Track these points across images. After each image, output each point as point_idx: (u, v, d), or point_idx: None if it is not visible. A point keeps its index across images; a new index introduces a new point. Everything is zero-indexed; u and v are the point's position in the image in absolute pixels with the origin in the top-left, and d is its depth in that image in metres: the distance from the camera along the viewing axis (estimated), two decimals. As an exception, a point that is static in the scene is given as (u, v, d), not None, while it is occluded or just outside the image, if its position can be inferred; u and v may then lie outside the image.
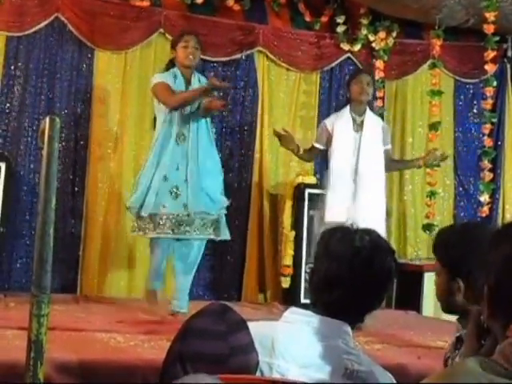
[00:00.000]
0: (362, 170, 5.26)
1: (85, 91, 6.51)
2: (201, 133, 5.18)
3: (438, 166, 6.54)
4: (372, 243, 2.05)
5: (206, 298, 6.62)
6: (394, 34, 7.26)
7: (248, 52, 6.41)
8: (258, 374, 1.87)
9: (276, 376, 1.91)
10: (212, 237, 5.23)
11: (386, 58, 7.22)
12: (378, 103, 7.23)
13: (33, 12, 6.28)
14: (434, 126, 7.06)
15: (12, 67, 6.30)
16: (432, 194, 7.02)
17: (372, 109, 5.73)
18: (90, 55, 6.52)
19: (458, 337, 2.20)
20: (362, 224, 5.09)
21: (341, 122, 5.40)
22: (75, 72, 6.49)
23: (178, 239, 5.18)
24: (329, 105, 7.25)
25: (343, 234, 2.07)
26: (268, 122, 6.97)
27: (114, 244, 6.36)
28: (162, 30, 6.64)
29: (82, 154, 6.46)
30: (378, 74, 7.21)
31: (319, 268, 2.06)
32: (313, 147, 5.56)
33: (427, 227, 7.04)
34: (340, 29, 7.14)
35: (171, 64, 5.35)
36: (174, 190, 5.03)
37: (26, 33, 6.29)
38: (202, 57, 6.46)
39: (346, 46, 7.17)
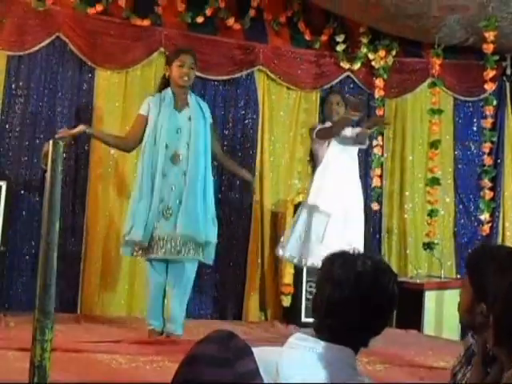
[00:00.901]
0: (345, 173, 5.65)
1: (85, 110, 6.51)
2: (197, 151, 5.07)
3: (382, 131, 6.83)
4: (374, 268, 2.05)
5: (207, 316, 6.66)
6: (394, 53, 7.30)
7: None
8: (262, 400, 1.86)
9: (281, 403, 1.90)
10: (201, 259, 5.13)
11: (385, 76, 7.25)
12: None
13: (34, 31, 6.29)
14: (434, 145, 7.08)
15: (13, 86, 6.31)
16: (432, 213, 7.02)
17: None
18: (90, 74, 6.53)
19: (468, 351, 2.20)
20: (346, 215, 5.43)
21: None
22: (76, 91, 6.50)
23: (170, 262, 5.08)
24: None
25: (345, 260, 2.07)
26: (268, 140, 6.99)
27: (115, 262, 6.34)
28: (162, 49, 6.64)
29: (83, 173, 6.45)
30: (378, 93, 7.25)
31: (322, 293, 2.05)
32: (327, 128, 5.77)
33: (428, 246, 7.05)
34: (340, 47, 7.17)
35: (164, 81, 5.32)
36: (167, 211, 4.96)
37: (27, 52, 6.29)
38: (202, 76, 6.62)
39: (345, 65, 7.20)
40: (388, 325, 2.11)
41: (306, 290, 6.37)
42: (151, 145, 5.02)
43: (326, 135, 5.62)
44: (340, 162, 5.64)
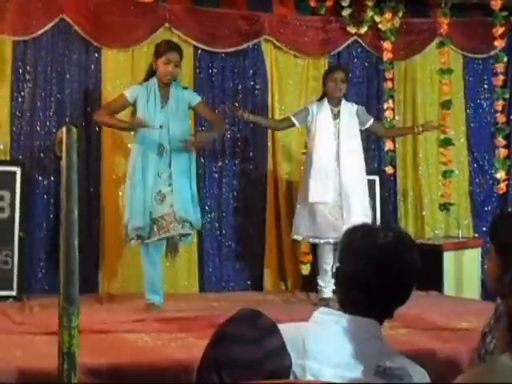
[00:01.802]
0: (342, 152, 5.76)
1: (94, 90, 6.52)
2: (178, 145, 5.36)
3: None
4: (395, 239, 2.05)
5: (229, 288, 6.70)
6: (400, 14, 7.21)
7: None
8: (291, 376, 1.88)
9: (309, 378, 1.92)
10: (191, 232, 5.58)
11: (393, 38, 7.17)
12: (388, 84, 7.22)
13: (37, 15, 6.27)
14: (445, 105, 7.05)
15: (20, 71, 6.32)
16: (446, 173, 7.01)
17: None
18: (97, 54, 6.52)
19: (497, 313, 2.22)
20: (347, 202, 5.55)
21: (321, 112, 5.86)
22: (83, 72, 6.50)
23: (168, 238, 5.41)
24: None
25: (366, 232, 2.07)
26: (279, 109, 6.98)
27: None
28: (167, 25, 6.63)
29: (95, 152, 6.47)
30: (386, 55, 7.19)
31: (345, 267, 2.06)
32: (287, 119, 6.08)
33: (444, 206, 7.04)
34: (345, 12, 7.09)
35: (151, 71, 5.52)
36: (159, 196, 5.31)
37: (32, 36, 6.29)
38: (209, 49, 6.62)
39: (352, 29, 7.14)
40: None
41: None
42: (141, 137, 5.36)
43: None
44: (335, 150, 5.81)
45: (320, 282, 5.81)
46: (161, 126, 5.34)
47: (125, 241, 5.55)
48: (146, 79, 5.52)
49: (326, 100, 5.91)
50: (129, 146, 5.95)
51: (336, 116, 5.88)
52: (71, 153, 2.56)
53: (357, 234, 2.08)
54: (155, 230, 5.28)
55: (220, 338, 1.81)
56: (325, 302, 5.42)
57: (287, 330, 1.90)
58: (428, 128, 6.23)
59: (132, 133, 5.66)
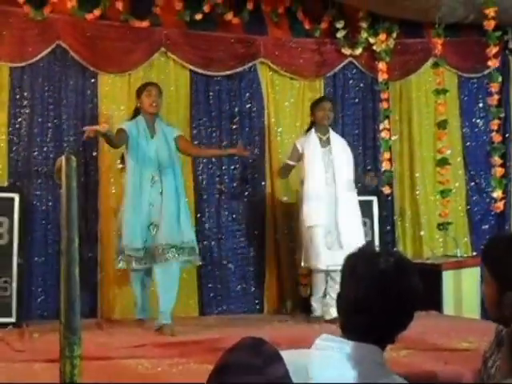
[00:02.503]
0: (337, 177, 6.05)
1: (91, 115, 6.53)
2: (169, 172, 5.70)
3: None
4: (396, 264, 2.05)
5: (230, 311, 6.69)
6: (395, 35, 7.27)
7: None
8: (294, 403, 1.87)
9: (313, 405, 1.91)
10: (187, 262, 5.86)
11: (387, 59, 7.22)
12: (384, 105, 7.26)
13: (34, 41, 6.31)
14: (441, 125, 7.07)
15: (18, 97, 6.34)
16: (444, 193, 7.02)
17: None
18: (93, 80, 6.55)
19: (498, 337, 2.21)
20: (343, 225, 5.79)
21: (309, 142, 6.16)
22: (80, 97, 6.52)
23: (157, 266, 5.64)
24: (333, 109, 7.23)
25: (367, 258, 2.08)
26: (276, 131, 7.02)
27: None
28: (163, 49, 6.68)
29: (92, 177, 6.48)
30: (381, 76, 7.23)
31: (346, 292, 2.06)
32: (286, 164, 6.35)
33: (442, 226, 7.05)
34: (340, 34, 7.15)
35: (137, 111, 5.85)
36: (153, 226, 5.62)
37: (29, 62, 6.32)
38: (205, 72, 6.66)
39: (347, 51, 7.19)
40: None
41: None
42: (133, 169, 5.68)
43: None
44: (328, 178, 6.08)
45: (313, 302, 6.12)
46: (150, 158, 5.67)
47: (115, 264, 5.79)
48: (133, 118, 5.84)
49: (313, 130, 6.20)
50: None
51: (325, 143, 6.17)
52: (70, 182, 2.56)
53: (358, 260, 2.08)
54: (143, 257, 5.61)
55: (223, 368, 1.79)
56: (316, 321, 5.92)
57: (290, 357, 1.88)
58: (371, 181, 6.52)
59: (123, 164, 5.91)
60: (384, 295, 1.99)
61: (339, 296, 2.10)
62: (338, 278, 5.94)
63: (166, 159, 5.72)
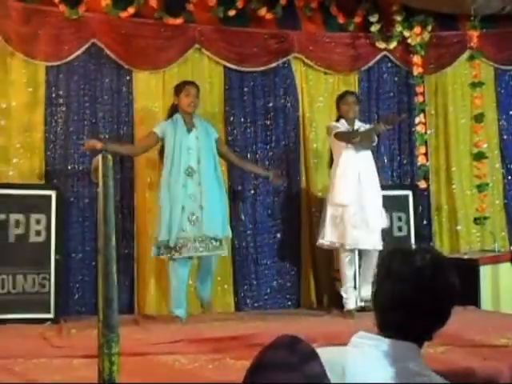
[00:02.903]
0: (362, 168, 6.09)
1: (126, 113, 6.59)
2: (206, 166, 5.82)
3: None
4: (433, 262, 2.04)
5: (266, 306, 6.71)
6: (429, 28, 7.21)
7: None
8: (331, 401, 1.87)
9: (349, 403, 1.91)
10: (220, 253, 5.97)
11: (422, 52, 7.17)
12: (419, 98, 7.20)
13: (70, 40, 6.38)
14: (477, 118, 7.00)
15: (54, 95, 6.41)
16: (481, 187, 6.95)
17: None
18: (128, 77, 6.60)
19: None
20: (369, 206, 5.91)
21: (341, 128, 6.19)
22: (115, 95, 6.58)
23: (199, 258, 5.91)
24: (369, 104, 7.24)
25: (404, 255, 2.07)
26: (310, 126, 7.00)
27: (167, 261, 6.39)
28: (197, 46, 6.70)
29: (128, 175, 6.53)
30: (416, 70, 7.18)
31: (383, 290, 2.05)
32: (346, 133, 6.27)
33: (479, 220, 6.98)
34: (374, 28, 7.11)
35: (174, 108, 5.98)
36: (193, 217, 5.72)
37: (65, 61, 6.39)
38: (239, 68, 6.68)
39: (381, 45, 7.15)
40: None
41: (360, 274, 6.34)
42: (171, 162, 5.79)
43: (344, 139, 6.11)
44: (357, 161, 6.07)
45: (343, 293, 6.12)
46: (188, 150, 5.79)
47: (152, 255, 5.90)
48: (170, 116, 5.97)
49: (343, 120, 6.24)
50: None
51: None
52: (107, 180, 2.60)
53: (393, 258, 2.07)
54: (184, 248, 5.70)
55: (259, 366, 1.80)
56: (350, 315, 5.97)
57: (326, 354, 1.88)
58: (389, 122, 6.19)
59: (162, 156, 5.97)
60: (421, 292, 1.98)
61: (375, 294, 2.10)
62: (372, 258, 5.97)
63: (205, 150, 5.85)
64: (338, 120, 6.29)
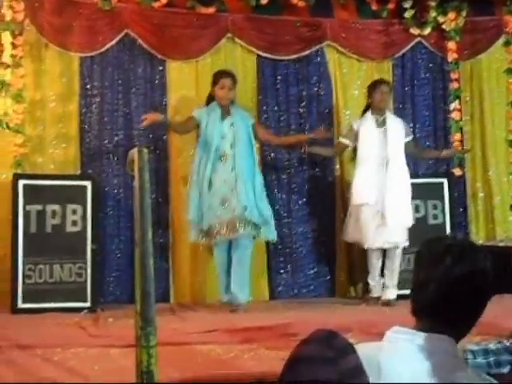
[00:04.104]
0: (389, 157, 6.07)
1: (160, 103, 6.61)
2: (241, 151, 5.87)
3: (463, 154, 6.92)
4: (464, 242, 2.03)
5: (301, 295, 6.72)
6: (464, 13, 7.11)
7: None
8: (368, 395, 1.87)
9: (385, 397, 1.91)
10: (261, 236, 6.02)
11: (457, 38, 7.09)
12: (454, 85, 7.14)
13: (103, 31, 6.43)
14: (513, 105, 6.92)
15: (88, 86, 6.47)
16: (516, 174, 6.89)
17: None
18: (161, 67, 6.63)
19: None
20: (390, 204, 5.88)
21: (365, 122, 6.24)
22: (149, 85, 6.61)
23: (233, 241, 5.87)
24: (403, 91, 7.19)
25: (435, 240, 2.06)
26: (344, 114, 6.98)
27: (202, 249, 6.43)
28: (229, 35, 6.71)
29: (163, 164, 6.56)
30: (451, 56, 7.12)
31: (414, 276, 2.05)
32: (339, 143, 6.51)
33: (515, 207, 6.92)
34: (408, 14, 7.03)
35: (211, 97, 6.03)
36: (225, 200, 5.77)
37: (99, 51, 6.44)
38: (272, 57, 6.66)
39: (415, 31, 7.08)
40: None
41: (384, 274, 6.33)
42: (203, 149, 5.86)
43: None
44: (380, 160, 6.11)
45: (370, 281, 6.26)
46: (222, 136, 5.85)
47: (190, 239, 6.00)
48: (207, 104, 6.03)
49: (369, 112, 6.26)
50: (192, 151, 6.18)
51: (381, 124, 6.21)
52: (143, 174, 2.61)
53: (425, 243, 2.06)
54: (220, 231, 5.77)
55: (294, 361, 1.80)
56: (373, 301, 6.12)
57: (363, 349, 1.88)
58: (451, 154, 6.57)
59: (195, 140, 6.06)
60: (448, 269, 1.96)
61: (414, 286, 2.09)
62: (395, 257, 6.00)
63: (241, 136, 5.90)
64: (365, 110, 6.30)
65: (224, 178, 5.79)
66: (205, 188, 5.77)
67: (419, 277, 2.03)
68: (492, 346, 2.31)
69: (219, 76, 5.98)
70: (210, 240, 5.89)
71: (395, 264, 6.12)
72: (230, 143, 5.86)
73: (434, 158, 6.87)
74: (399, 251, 6.11)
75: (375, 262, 6.18)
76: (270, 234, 6.05)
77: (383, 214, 6.00)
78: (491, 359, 2.27)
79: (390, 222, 5.98)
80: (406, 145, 6.25)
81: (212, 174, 5.78)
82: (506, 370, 2.26)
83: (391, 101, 6.41)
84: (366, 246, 6.12)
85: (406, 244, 6.06)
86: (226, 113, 5.95)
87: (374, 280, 6.23)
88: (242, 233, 5.79)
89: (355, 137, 6.25)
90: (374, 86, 6.28)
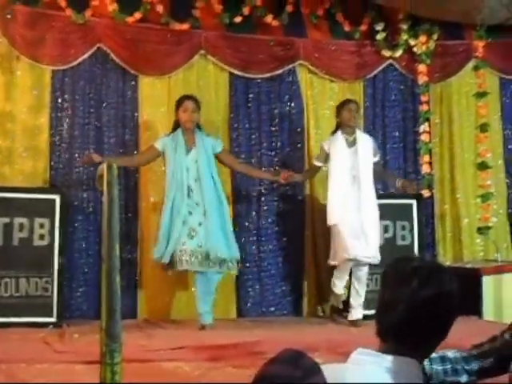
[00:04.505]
0: (361, 178, 6.11)
1: (131, 118, 6.59)
2: (205, 185, 5.86)
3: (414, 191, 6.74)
4: (431, 264, 2.04)
5: (269, 313, 6.72)
6: (435, 37, 7.21)
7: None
8: (332, 416, 1.86)
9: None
10: (220, 271, 5.91)
11: (428, 61, 7.18)
12: (424, 107, 7.21)
13: (76, 44, 6.40)
14: (482, 128, 7.00)
15: (59, 100, 6.42)
16: (484, 197, 6.95)
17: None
18: (134, 82, 6.61)
19: None
20: (368, 221, 5.98)
21: (335, 142, 6.24)
22: (121, 99, 6.59)
23: (197, 272, 5.87)
24: (374, 112, 7.25)
25: (402, 260, 2.07)
26: (315, 133, 7.02)
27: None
28: (203, 52, 6.71)
29: (133, 180, 6.53)
30: (422, 78, 7.19)
31: (380, 296, 2.05)
32: (314, 166, 6.49)
33: (482, 230, 6.97)
34: (380, 36, 7.12)
35: (177, 123, 6.01)
36: (192, 231, 5.76)
37: (71, 65, 6.41)
38: (245, 75, 6.67)
39: (387, 53, 7.16)
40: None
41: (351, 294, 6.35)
42: (171, 179, 5.87)
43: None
44: (350, 180, 6.13)
45: (335, 288, 6.25)
46: (187, 170, 5.84)
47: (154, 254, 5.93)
48: (173, 131, 5.99)
49: (339, 131, 6.25)
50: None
51: (352, 143, 6.21)
52: (112, 189, 2.60)
53: (392, 264, 2.07)
54: (181, 261, 5.72)
55: (263, 379, 1.79)
56: (353, 324, 6.06)
57: (328, 370, 1.88)
58: (406, 187, 6.45)
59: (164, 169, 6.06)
60: (414, 292, 1.96)
61: (379, 309, 2.09)
62: (363, 276, 6.02)
63: (205, 169, 5.87)
64: (336, 130, 6.32)
65: (190, 210, 5.80)
66: (173, 216, 5.77)
67: (385, 297, 2.04)
68: (450, 354, 2.32)
69: (182, 99, 6.00)
70: (171, 268, 5.83)
71: (362, 283, 6.14)
72: (194, 178, 5.86)
73: (391, 183, 6.81)
74: (366, 270, 6.12)
75: (344, 276, 6.16)
76: (233, 269, 6.00)
77: (362, 230, 6.00)
78: (448, 367, 2.28)
79: (369, 237, 5.99)
80: (374, 164, 6.29)
81: (180, 206, 5.77)
82: (462, 379, 2.27)
83: (360, 119, 6.44)
84: (346, 256, 6.00)
85: (378, 260, 6.05)
86: (190, 143, 5.93)
87: (339, 279, 6.19)
88: (208, 269, 5.80)
89: (326, 158, 6.26)
90: (342, 105, 6.32)
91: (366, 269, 6.12)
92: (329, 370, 1.88)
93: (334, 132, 6.35)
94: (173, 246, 5.71)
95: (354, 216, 6.02)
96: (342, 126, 6.28)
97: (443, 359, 2.33)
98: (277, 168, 6.50)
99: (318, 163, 6.38)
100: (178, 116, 5.96)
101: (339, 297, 6.24)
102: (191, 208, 5.80)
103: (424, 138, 7.17)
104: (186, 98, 6.01)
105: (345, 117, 6.23)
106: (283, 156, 6.94)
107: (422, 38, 7.13)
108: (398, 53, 7.15)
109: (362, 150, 6.19)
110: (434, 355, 2.27)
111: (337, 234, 6.07)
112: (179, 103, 5.96)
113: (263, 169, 6.83)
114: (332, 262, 6.21)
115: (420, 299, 1.95)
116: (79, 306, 6.29)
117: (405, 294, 1.96)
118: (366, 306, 6.08)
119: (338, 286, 6.20)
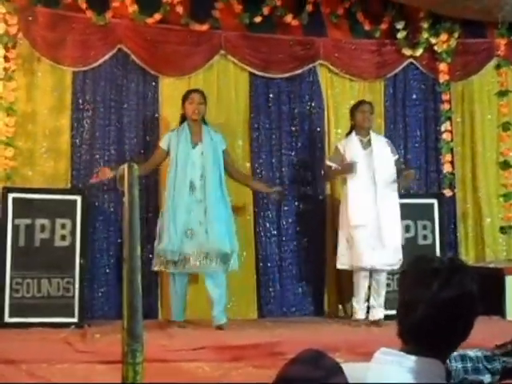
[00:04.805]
0: (377, 179, 6.07)
1: (152, 119, 6.62)
2: (211, 181, 5.81)
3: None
4: (451, 265, 2.02)
5: (290, 314, 6.70)
6: (456, 35, 7.16)
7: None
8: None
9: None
10: (222, 269, 5.85)
11: (449, 59, 7.13)
12: (445, 106, 7.17)
13: (96, 45, 6.43)
14: (504, 127, 6.95)
15: (80, 101, 6.46)
16: (507, 196, 6.90)
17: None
18: (154, 83, 6.63)
19: None
20: (385, 226, 5.89)
21: (350, 145, 6.24)
22: (141, 100, 6.61)
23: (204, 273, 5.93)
24: (394, 111, 7.21)
25: (422, 260, 2.05)
26: (335, 133, 6.99)
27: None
28: (222, 52, 6.72)
29: (153, 180, 6.54)
30: (443, 77, 7.15)
31: (399, 296, 2.04)
32: (326, 166, 6.50)
33: (504, 229, 6.91)
34: (400, 34, 7.08)
35: (183, 118, 6.02)
36: (189, 231, 5.74)
37: (91, 66, 6.44)
38: (265, 75, 6.66)
39: (407, 52, 7.11)
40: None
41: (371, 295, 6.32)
42: (173, 175, 5.82)
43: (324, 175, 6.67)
44: (370, 181, 6.10)
45: (355, 304, 6.22)
46: (192, 165, 5.80)
47: (152, 266, 5.92)
48: (180, 124, 6.01)
49: (353, 133, 6.27)
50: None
51: (366, 145, 6.21)
52: (133, 190, 2.60)
53: (411, 264, 2.05)
54: (181, 263, 5.74)
55: (284, 380, 1.79)
56: (355, 324, 6.11)
57: (350, 370, 1.87)
58: (408, 177, 6.32)
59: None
60: (435, 293, 1.94)
61: (400, 310, 2.07)
62: (382, 279, 6.00)
63: (211, 165, 5.84)
64: (350, 131, 6.32)
65: (191, 209, 5.76)
66: (170, 217, 5.74)
67: (405, 298, 2.02)
68: (471, 353, 2.30)
69: (188, 92, 6.01)
70: (172, 269, 5.82)
71: (382, 284, 6.11)
72: (199, 173, 5.83)
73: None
74: (385, 274, 6.11)
75: (363, 283, 6.13)
76: (234, 264, 5.94)
77: (379, 235, 5.98)
78: (468, 365, 2.26)
79: (386, 244, 5.97)
80: (396, 162, 6.25)
81: (180, 205, 5.74)
82: (486, 379, 2.24)
83: (380, 119, 6.39)
84: (361, 266, 6.02)
85: (399, 265, 6.01)
86: (196, 138, 5.90)
87: (359, 303, 6.18)
88: (212, 267, 5.78)
89: (341, 159, 6.24)
90: (355, 107, 6.34)
91: (384, 273, 6.11)
92: (350, 370, 1.87)
93: (349, 133, 6.34)
94: (176, 244, 5.70)
95: (372, 219, 5.99)
96: (356, 127, 6.28)
97: (463, 357, 2.31)
98: (277, 187, 6.37)
99: (330, 163, 6.38)
100: (184, 109, 5.97)
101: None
102: (193, 205, 5.76)
103: (445, 136, 7.12)
104: (193, 90, 6.06)
105: (359, 118, 6.25)
106: (303, 156, 6.93)
107: (443, 37, 7.08)
108: (419, 51, 7.11)
109: (377, 151, 6.17)
110: (453, 353, 2.25)
111: (352, 237, 6.05)
112: (186, 96, 5.98)
113: (283, 169, 6.82)
114: (341, 267, 6.24)
115: (441, 300, 1.94)
116: (101, 307, 6.32)
117: (425, 296, 1.95)
118: (388, 305, 6.06)
119: (359, 312, 6.20)
